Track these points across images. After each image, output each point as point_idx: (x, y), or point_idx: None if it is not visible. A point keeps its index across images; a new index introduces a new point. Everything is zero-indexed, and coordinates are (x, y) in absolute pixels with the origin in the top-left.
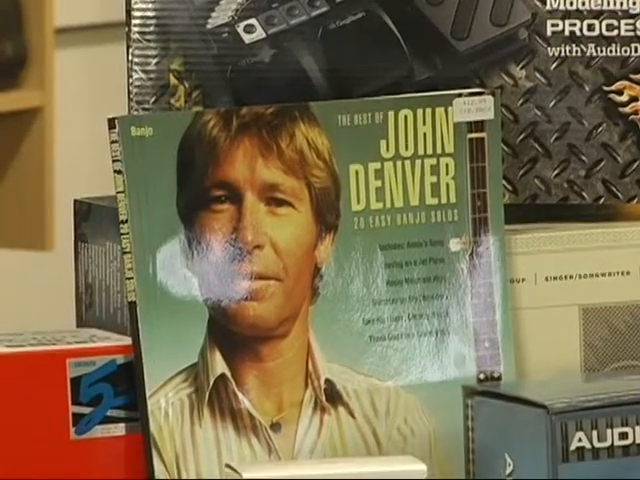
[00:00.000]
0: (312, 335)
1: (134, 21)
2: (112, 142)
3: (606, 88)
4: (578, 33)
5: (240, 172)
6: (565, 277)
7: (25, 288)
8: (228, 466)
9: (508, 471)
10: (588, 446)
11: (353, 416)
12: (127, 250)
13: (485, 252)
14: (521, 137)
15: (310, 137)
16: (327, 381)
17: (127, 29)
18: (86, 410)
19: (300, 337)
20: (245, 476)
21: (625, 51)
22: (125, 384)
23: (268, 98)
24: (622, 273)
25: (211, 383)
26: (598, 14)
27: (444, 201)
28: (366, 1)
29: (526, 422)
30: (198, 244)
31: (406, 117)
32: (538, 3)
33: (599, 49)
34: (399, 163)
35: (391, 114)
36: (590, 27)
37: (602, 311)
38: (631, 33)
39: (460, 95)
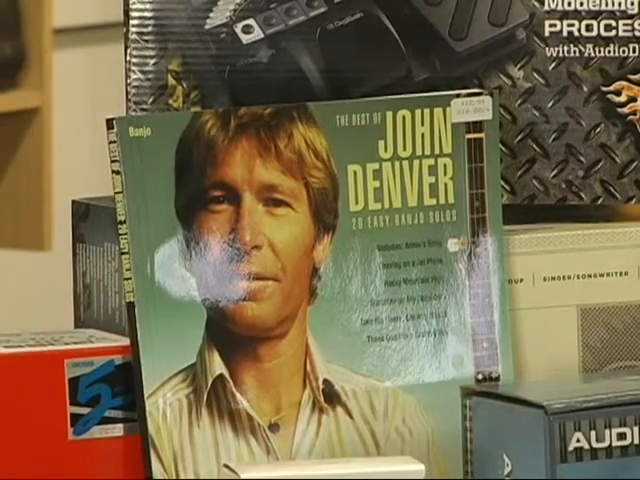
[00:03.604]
0: (310, 335)
1: (132, 21)
2: (110, 142)
3: (604, 88)
4: (576, 33)
5: (238, 172)
6: (563, 277)
7: (23, 288)
8: (226, 466)
9: (506, 471)
10: (586, 446)
11: (351, 416)
12: (125, 250)
13: (483, 252)
14: (519, 137)
15: (308, 137)
16: (325, 381)
17: (125, 29)
18: (84, 411)
19: (298, 337)
20: (243, 476)
21: (623, 51)
22: (123, 385)
23: (266, 98)
24: (620, 273)
25: (209, 383)
26: (596, 14)
27: (442, 201)
28: (364, 1)
29: (524, 422)
30: (196, 244)
31: (404, 117)
32: (536, 3)
33: (597, 49)
34: (397, 163)
35: (389, 114)
36: (588, 27)
37: (600, 311)
38: (629, 33)
39: (458, 95)
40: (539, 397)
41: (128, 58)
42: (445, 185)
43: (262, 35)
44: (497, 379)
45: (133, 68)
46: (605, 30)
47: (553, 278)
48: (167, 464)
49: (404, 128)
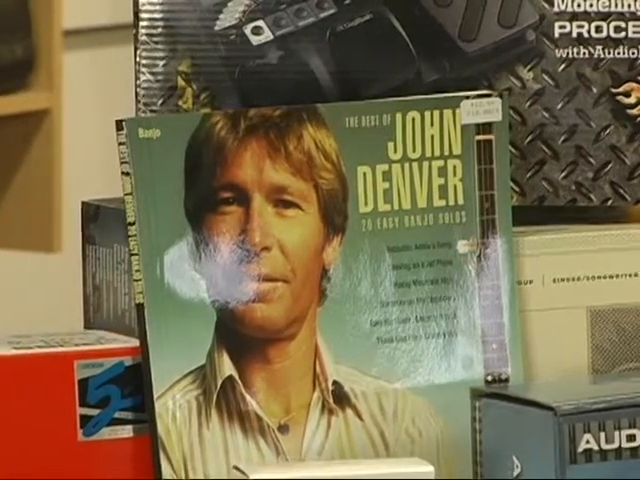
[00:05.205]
0: (320, 337)
1: (142, 23)
2: (120, 144)
3: (614, 90)
4: (586, 35)
5: (248, 174)
6: (573, 279)
7: (33, 290)
8: (236, 467)
9: (516, 473)
10: (596, 448)
11: (361, 418)
12: (135, 252)
13: (493, 254)
14: (529, 139)
15: (318, 139)
16: (335, 383)
17: (135, 31)
18: (94, 412)
19: (308, 339)
20: (252, 477)
21: (633, 53)
22: (133, 386)
23: (276, 100)
24: (630, 275)
25: (219, 385)
26: (606, 16)
27: (452, 203)
28: (374, 3)
29: (534, 424)
30: (206, 246)
31: (414, 119)
32: (546, 5)
33: (607, 51)
34: (407, 165)
35: (399, 116)
36: (598, 29)
37: (610, 313)
38: (639, 35)
39: (468, 97)
40: (549, 398)
41: (138, 59)
42: (455, 186)
43: (272, 36)
44: (507, 380)
45: (143, 69)
46: (615, 31)
47: (563, 279)
48: (177, 465)
49: (413, 129)
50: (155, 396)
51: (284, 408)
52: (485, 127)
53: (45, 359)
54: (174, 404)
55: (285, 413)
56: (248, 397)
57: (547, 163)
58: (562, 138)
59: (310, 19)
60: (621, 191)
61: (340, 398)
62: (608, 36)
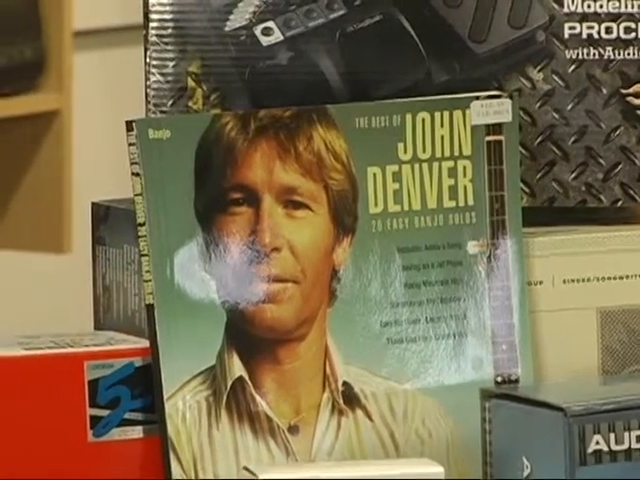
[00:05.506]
0: (330, 338)
1: (152, 24)
2: (130, 145)
3: (624, 91)
4: (596, 36)
5: (258, 175)
6: (583, 280)
7: (42, 291)
8: (245, 468)
9: (525, 474)
10: (605, 449)
11: (371, 419)
12: (145, 253)
13: (503, 255)
14: (539, 140)
15: (328, 140)
16: (345, 384)
17: (145, 32)
18: (104, 413)
19: (318, 340)
20: (262, 477)
21: None
22: (143, 387)
23: (286, 101)
24: None
25: (229, 386)
26: (616, 17)
27: (462, 204)
28: (384, 4)
29: (544, 425)
30: (216, 247)
31: (424, 120)
32: (556, 6)
33: (617, 52)
34: (417, 166)
35: (409, 117)
36: (608, 30)
37: (620, 314)
38: None
39: (478, 98)
40: (558, 399)
41: (148, 60)
42: (465, 187)
43: (282, 37)
44: (516, 381)
45: (153, 70)
46: (625, 32)
47: (573, 280)
48: (186, 466)
49: (423, 130)
50: (165, 397)
51: (294, 409)
52: (495, 128)
53: (55, 360)
54: (184, 405)
55: (295, 414)
56: (258, 398)
57: (557, 164)
58: (572, 139)
59: (320, 20)
60: (631, 192)
61: (350, 399)
62: (618, 37)
